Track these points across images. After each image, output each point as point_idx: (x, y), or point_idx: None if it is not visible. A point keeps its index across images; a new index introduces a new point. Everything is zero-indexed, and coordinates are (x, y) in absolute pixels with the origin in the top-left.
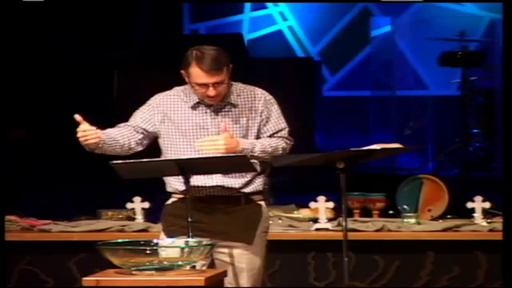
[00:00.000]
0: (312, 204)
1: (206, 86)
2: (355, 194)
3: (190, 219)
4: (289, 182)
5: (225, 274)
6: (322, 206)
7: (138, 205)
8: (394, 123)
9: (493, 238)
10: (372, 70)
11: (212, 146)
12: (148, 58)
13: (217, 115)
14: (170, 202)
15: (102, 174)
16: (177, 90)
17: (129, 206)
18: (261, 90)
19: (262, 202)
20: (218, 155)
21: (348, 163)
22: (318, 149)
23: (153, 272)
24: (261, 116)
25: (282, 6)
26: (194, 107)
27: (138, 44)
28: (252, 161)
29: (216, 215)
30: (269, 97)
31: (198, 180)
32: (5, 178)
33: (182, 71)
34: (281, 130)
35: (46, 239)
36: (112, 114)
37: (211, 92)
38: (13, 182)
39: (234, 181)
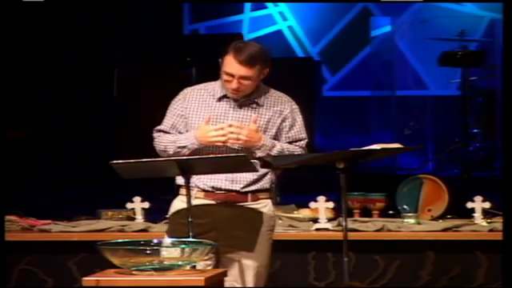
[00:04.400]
0: (312, 204)
1: (232, 76)
2: (355, 194)
3: (190, 219)
4: (289, 182)
5: (225, 273)
6: (322, 206)
7: (137, 205)
8: (394, 123)
9: (493, 238)
10: (372, 69)
11: (235, 134)
12: (148, 58)
13: (239, 110)
14: (176, 201)
15: (102, 174)
16: (206, 84)
17: (129, 206)
18: (288, 97)
19: (269, 200)
20: (218, 155)
21: (348, 163)
22: (318, 149)
23: (153, 272)
24: (284, 121)
25: (282, 6)
26: (220, 99)
27: (138, 44)
28: (252, 161)
29: (222, 212)
30: (295, 106)
31: (205, 176)
32: (5, 178)
33: (220, 59)
34: (301, 140)
35: (46, 239)
36: (112, 114)
37: (234, 84)
38: (13, 182)
39: (241, 178)
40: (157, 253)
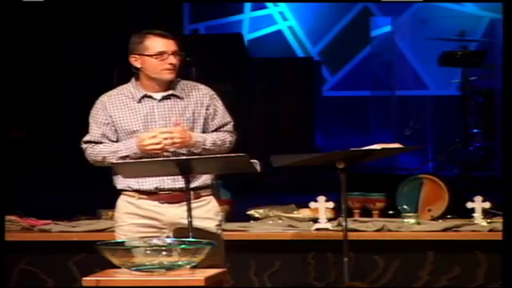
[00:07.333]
0: (312, 204)
1: (164, 54)
2: (355, 194)
3: (190, 219)
4: (289, 182)
5: (225, 273)
6: (322, 206)
7: None
8: (394, 123)
9: (493, 238)
10: (372, 70)
11: (169, 138)
12: None
13: (163, 107)
14: (120, 201)
15: (102, 174)
16: (119, 88)
17: None
18: (203, 85)
19: (211, 197)
20: (218, 155)
21: (348, 163)
22: (318, 149)
23: (153, 272)
24: (207, 110)
25: (282, 6)
26: (140, 100)
27: None
28: (252, 161)
29: (169, 211)
30: (212, 92)
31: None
32: (5, 178)
33: (133, 56)
34: (227, 124)
35: (46, 239)
36: None
37: (173, 60)
38: (13, 182)
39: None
40: (157, 253)
